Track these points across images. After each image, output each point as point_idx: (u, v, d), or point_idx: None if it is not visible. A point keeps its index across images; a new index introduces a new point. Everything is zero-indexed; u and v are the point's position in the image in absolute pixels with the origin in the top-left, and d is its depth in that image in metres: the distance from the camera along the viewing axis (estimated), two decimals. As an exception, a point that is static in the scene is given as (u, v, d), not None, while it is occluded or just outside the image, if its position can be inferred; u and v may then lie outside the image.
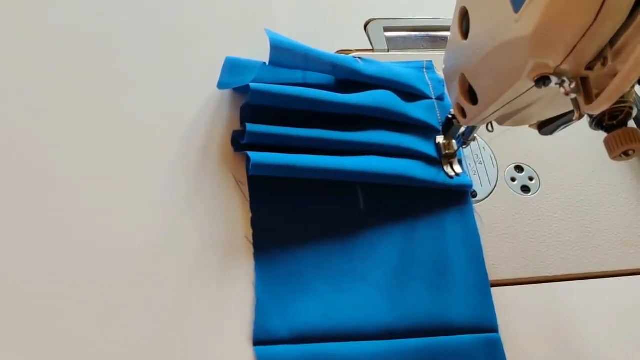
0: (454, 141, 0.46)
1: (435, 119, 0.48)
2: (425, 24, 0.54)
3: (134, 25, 0.48)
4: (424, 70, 0.51)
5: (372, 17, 0.55)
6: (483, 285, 0.41)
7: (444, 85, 0.50)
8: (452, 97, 0.40)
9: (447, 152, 0.46)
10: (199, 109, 0.45)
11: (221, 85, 0.45)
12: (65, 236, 0.38)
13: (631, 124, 0.31)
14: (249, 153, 0.40)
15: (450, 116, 0.43)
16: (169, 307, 0.37)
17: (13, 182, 0.39)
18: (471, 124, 0.40)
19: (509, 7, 0.28)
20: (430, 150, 0.46)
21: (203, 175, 0.42)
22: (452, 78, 0.38)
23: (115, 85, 0.45)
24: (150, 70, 0.46)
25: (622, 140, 0.30)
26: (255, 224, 0.41)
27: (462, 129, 0.44)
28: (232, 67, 0.45)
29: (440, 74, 0.50)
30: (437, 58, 0.51)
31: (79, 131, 0.42)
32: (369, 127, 0.45)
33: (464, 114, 0.38)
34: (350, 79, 0.46)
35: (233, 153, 0.43)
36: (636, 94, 0.39)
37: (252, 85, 0.42)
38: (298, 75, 0.46)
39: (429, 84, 0.50)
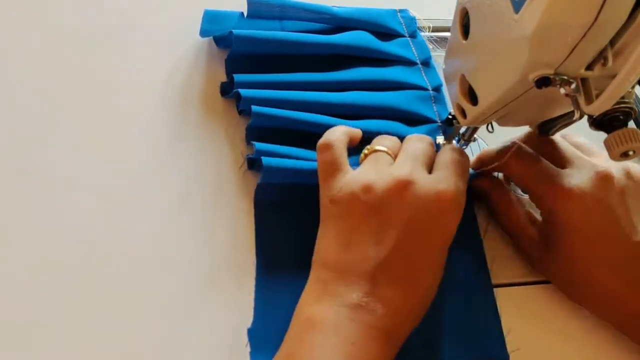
0: (454, 142, 0.46)
1: (411, 54, 0.51)
2: (425, 24, 0.54)
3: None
4: (397, 11, 0.53)
5: (372, 18, 0.55)
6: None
7: (416, 23, 0.53)
8: (452, 97, 0.40)
9: (447, 152, 0.46)
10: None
11: (203, 33, 0.47)
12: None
13: (631, 124, 0.31)
14: (240, 90, 0.42)
15: (450, 116, 0.43)
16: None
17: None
18: (471, 125, 0.40)
19: (509, 7, 0.28)
20: (415, 79, 0.49)
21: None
22: (452, 78, 0.38)
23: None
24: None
25: (622, 140, 0.30)
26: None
27: (463, 130, 0.44)
28: (211, 17, 0.48)
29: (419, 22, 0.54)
30: (437, 58, 0.51)
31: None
32: (352, 65, 0.48)
33: (464, 114, 0.38)
34: (326, 23, 0.49)
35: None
36: (636, 94, 0.39)
37: (235, 31, 0.44)
38: (275, 25, 0.48)
39: (402, 22, 0.53)
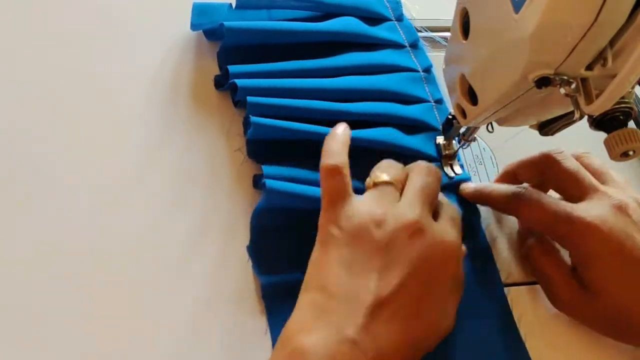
0: (454, 141, 0.46)
1: (399, 37, 0.52)
2: (425, 24, 0.54)
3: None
4: None
5: (372, 18, 0.55)
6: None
7: (402, 6, 0.54)
8: (452, 97, 0.40)
9: (447, 152, 0.46)
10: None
11: (194, 27, 0.48)
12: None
13: (631, 124, 0.31)
14: (237, 81, 0.42)
15: (450, 116, 0.43)
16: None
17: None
18: (471, 125, 0.40)
19: (509, 7, 0.28)
20: (405, 62, 0.50)
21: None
22: (452, 78, 0.38)
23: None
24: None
25: (622, 140, 0.30)
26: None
27: (463, 129, 0.44)
28: (200, 10, 0.48)
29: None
30: (437, 58, 0.51)
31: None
32: (343, 51, 0.48)
33: (464, 114, 0.38)
34: (314, 10, 0.50)
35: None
36: (636, 94, 0.39)
37: (227, 23, 0.45)
38: (263, 15, 0.49)
39: (388, 6, 0.53)
